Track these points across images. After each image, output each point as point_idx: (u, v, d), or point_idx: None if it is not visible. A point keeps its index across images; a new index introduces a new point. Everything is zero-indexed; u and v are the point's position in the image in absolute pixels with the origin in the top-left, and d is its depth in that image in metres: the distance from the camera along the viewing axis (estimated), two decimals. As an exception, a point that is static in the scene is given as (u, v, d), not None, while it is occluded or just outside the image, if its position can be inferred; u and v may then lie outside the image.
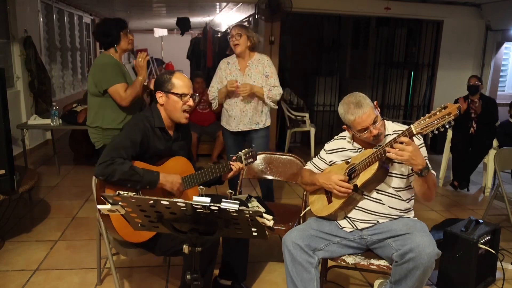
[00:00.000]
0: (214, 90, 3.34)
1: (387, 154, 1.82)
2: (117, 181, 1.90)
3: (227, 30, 8.90)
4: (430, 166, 1.89)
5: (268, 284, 2.64)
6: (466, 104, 4.62)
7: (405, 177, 2.01)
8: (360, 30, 8.32)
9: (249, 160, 2.32)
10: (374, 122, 1.93)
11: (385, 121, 2.07)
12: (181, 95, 2.09)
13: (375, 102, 2.00)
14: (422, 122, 1.76)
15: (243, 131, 3.30)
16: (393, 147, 1.80)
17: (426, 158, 1.95)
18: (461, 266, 2.50)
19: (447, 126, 1.72)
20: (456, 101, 4.73)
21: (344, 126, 2.06)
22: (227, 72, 3.28)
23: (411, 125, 1.80)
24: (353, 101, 1.95)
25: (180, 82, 2.11)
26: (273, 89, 3.20)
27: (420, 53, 6.66)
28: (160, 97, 2.12)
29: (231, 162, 2.23)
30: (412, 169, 1.87)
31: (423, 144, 1.98)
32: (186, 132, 2.31)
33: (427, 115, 1.76)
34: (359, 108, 1.92)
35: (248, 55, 3.25)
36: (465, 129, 4.64)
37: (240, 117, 3.25)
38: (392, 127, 2.06)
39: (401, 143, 1.78)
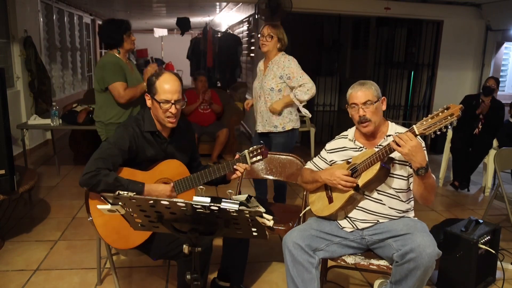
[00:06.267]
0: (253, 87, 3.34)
1: (390, 143, 1.82)
2: (101, 191, 1.89)
3: (227, 30, 8.90)
4: (430, 169, 1.89)
5: (268, 285, 2.64)
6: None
7: (406, 178, 2.01)
8: (360, 30, 8.34)
9: (257, 158, 2.12)
10: (365, 104, 1.99)
11: (388, 122, 2.08)
12: (160, 103, 1.95)
13: (383, 98, 2.05)
14: (424, 122, 1.76)
15: (263, 132, 3.21)
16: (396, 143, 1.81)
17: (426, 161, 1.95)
18: (461, 266, 2.50)
19: (449, 126, 1.72)
20: (465, 98, 4.75)
21: (346, 106, 2.11)
22: (259, 71, 3.27)
23: (414, 126, 1.80)
24: (361, 81, 2.07)
25: (164, 87, 1.95)
26: (297, 91, 3.03)
27: (420, 53, 6.66)
28: (148, 100, 2.05)
29: (236, 164, 2.10)
30: (410, 166, 1.88)
31: (424, 147, 1.97)
32: (185, 132, 2.20)
33: (430, 115, 1.75)
34: (359, 85, 2.03)
35: (273, 56, 3.14)
36: (468, 128, 4.64)
37: (259, 117, 3.20)
38: (395, 129, 2.06)
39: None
